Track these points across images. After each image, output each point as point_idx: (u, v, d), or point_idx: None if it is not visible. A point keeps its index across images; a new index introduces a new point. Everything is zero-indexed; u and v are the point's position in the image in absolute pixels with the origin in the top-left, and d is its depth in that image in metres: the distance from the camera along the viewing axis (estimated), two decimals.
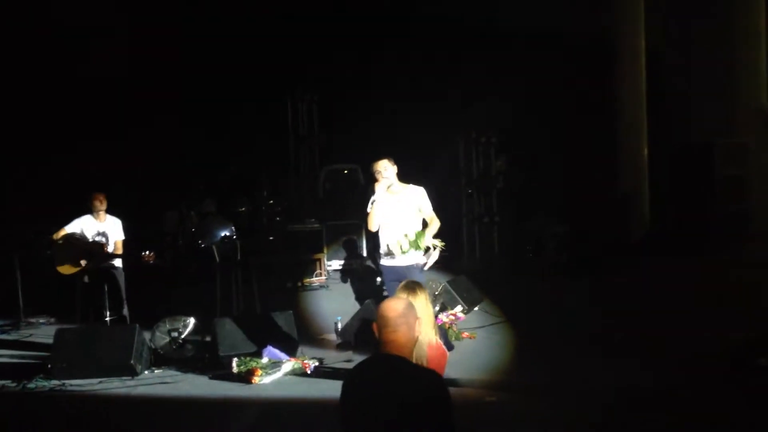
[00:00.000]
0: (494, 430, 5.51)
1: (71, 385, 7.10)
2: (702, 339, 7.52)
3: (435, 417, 3.08)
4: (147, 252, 8.62)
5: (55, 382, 7.17)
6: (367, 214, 7.04)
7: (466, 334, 8.37)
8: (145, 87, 14.22)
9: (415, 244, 6.72)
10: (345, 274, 12.34)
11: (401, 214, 6.89)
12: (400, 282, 6.60)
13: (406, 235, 6.74)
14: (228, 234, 11.18)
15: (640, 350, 7.38)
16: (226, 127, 14.83)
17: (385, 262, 7.00)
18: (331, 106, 15.39)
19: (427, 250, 6.87)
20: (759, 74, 14.61)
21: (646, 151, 14.50)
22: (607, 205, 13.53)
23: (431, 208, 6.99)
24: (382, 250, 7.03)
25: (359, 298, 9.84)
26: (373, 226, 6.93)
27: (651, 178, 14.42)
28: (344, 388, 3.33)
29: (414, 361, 3.45)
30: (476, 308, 9.53)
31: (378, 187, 6.87)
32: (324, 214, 13.35)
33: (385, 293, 7.27)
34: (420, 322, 3.46)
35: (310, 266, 12.24)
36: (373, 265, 12.84)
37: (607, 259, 12.10)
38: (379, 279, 7.08)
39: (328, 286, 11.93)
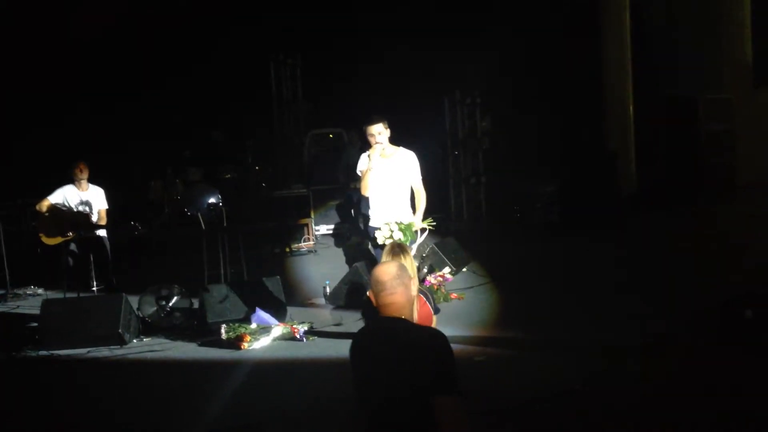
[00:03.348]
0: (484, 388, 5.52)
1: (59, 355, 7.08)
2: (690, 293, 7.56)
3: (438, 369, 3.12)
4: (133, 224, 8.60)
5: (43, 352, 7.15)
6: (358, 178, 6.96)
7: (454, 295, 8.38)
8: (127, 55, 14.06)
9: (409, 234, 6.58)
10: (333, 238, 12.33)
11: (392, 178, 6.82)
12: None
13: (390, 227, 6.58)
14: (214, 201, 11.13)
15: (629, 306, 7.40)
16: (209, 93, 14.68)
17: (373, 224, 6.95)
18: (315, 71, 15.26)
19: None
20: (743, 29, 14.55)
21: (631, 108, 14.47)
22: (595, 163, 13.51)
23: (420, 178, 6.92)
24: (371, 212, 6.97)
25: (347, 261, 9.83)
26: (367, 191, 6.85)
27: (637, 134, 14.41)
28: (351, 353, 3.40)
29: None
30: (464, 269, 9.54)
31: (373, 151, 6.76)
32: (310, 178, 13.30)
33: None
34: (414, 281, 3.49)
35: (298, 231, 12.22)
36: (361, 228, 12.84)
37: (596, 216, 12.11)
38: (369, 243, 6.99)
39: (316, 251, 11.93)
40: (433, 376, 3.09)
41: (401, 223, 6.56)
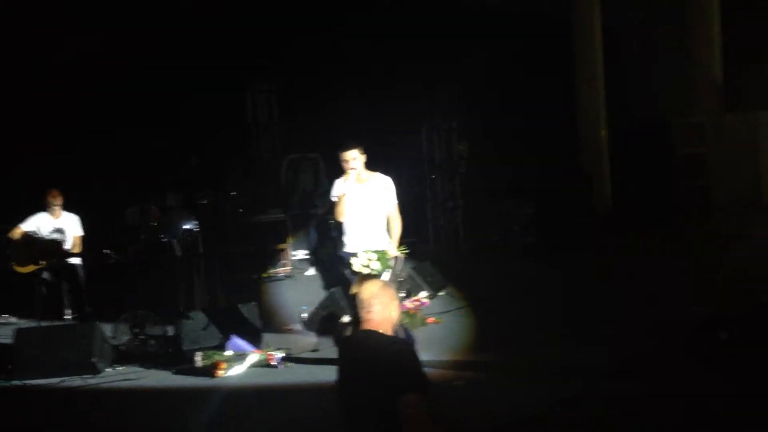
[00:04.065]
0: (461, 413, 5.50)
1: (33, 385, 6.97)
2: (666, 314, 7.60)
3: (399, 371, 3.34)
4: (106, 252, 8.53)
5: (16, 382, 7.03)
6: (333, 203, 6.93)
7: (431, 319, 8.36)
8: (102, 81, 13.99)
9: (383, 263, 6.54)
10: (310, 263, 12.28)
11: (368, 204, 6.79)
12: None
13: (367, 256, 6.54)
14: (189, 227, 11.06)
15: (604, 327, 7.42)
16: (185, 119, 14.64)
17: (348, 250, 6.92)
18: (291, 95, 15.26)
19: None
20: (714, 53, 14.78)
21: (604, 132, 14.62)
22: (570, 185, 13.61)
23: (395, 204, 6.88)
24: (345, 237, 6.94)
25: (325, 287, 9.78)
26: (341, 216, 6.81)
27: (611, 157, 14.56)
28: (339, 362, 3.73)
29: None
30: (441, 293, 9.52)
31: (348, 177, 6.73)
32: (287, 203, 13.26)
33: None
34: (398, 303, 3.77)
35: (275, 257, 12.15)
36: (339, 254, 12.80)
37: (572, 238, 12.18)
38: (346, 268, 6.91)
39: (293, 276, 11.86)
40: (394, 378, 3.32)
41: (377, 251, 6.53)
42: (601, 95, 14.63)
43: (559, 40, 14.43)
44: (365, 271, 6.33)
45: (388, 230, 6.82)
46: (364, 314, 3.65)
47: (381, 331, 3.61)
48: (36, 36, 13.33)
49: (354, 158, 6.67)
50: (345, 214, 6.75)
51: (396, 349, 3.49)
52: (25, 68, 13.24)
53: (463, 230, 14.01)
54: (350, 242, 6.82)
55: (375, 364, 3.41)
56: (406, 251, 6.73)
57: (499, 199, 13.65)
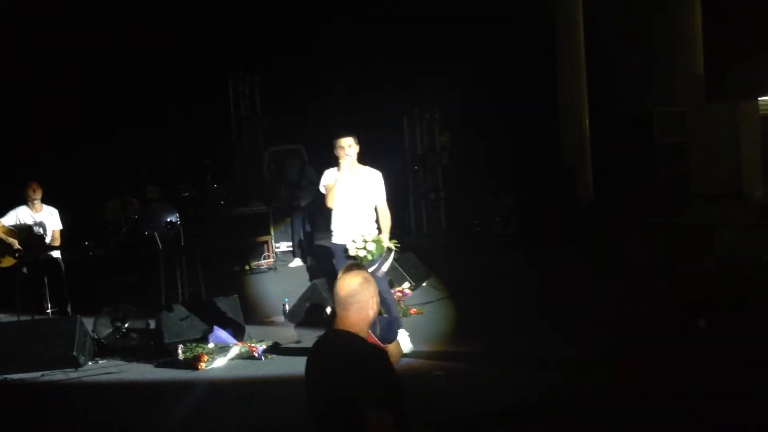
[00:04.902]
0: (442, 403, 5.52)
1: (13, 379, 6.93)
2: (645, 303, 7.66)
3: (367, 383, 3.14)
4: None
5: None
6: (322, 192, 6.87)
7: (413, 310, 8.38)
8: (82, 74, 13.88)
9: (379, 247, 6.54)
10: (293, 255, 12.27)
11: (358, 195, 6.79)
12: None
13: (363, 238, 6.55)
14: (172, 220, 10.99)
15: (586, 316, 7.48)
16: (166, 111, 14.55)
17: (336, 240, 6.90)
18: (273, 87, 15.21)
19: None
20: (694, 44, 14.87)
21: (587, 122, 14.68)
22: (552, 176, 13.68)
23: (384, 197, 6.90)
24: (334, 227, 6.93)
25: (308, 278, 9.79)
26: (332, 203, 6.77)
27: (593, 148, 14.62)
28: (306, 362, 3.44)
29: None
30: (424, 284, 9.55)
31: (343, 164, 6.69)
32: (269, 195, 13.23)
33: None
34: (376, 300, 3.46)
35: (258, 249, 12.13)
36: (322, 245, 12.79)
37: (554, 228, 12.23)
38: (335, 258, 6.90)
39: (276, 269, 11.85)
40: (361, 390, 3.11)
41: (374, 237, 6.53)
42: (584, 86, 14.68)
43: (542, 32, 14.45)
44: (362, 253, 6.34)
45: (377, 223, 6.83)
46: (339, 310, 3.41)
47: (355, 331, 3.37)
48: (10, 33, 13.21)
49: (349, 145, 6.69)
50: (335, 203, 6.74)
51: (366, 358, 3.25)
52: (5, 61, 13.14)
53: (445, 221, 14.04)
54: (339, 233, 6.81)
55: (342, 372, 3.19)
56: (398, 245, 6.73)
57: (481, 190, 13.67)
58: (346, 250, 6.64)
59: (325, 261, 11.09)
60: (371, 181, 6.86)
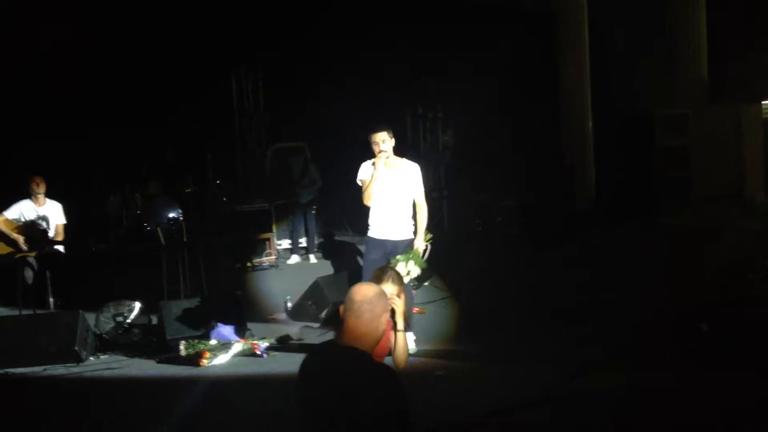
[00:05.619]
0: (444, 403, 5.53)
1: (14, 373, 6.92)
2: (647, 306, 7.66)
3: (378, 409, 2.92)
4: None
5: None
6: (359, 186, 6.82)
7: (415, 309, 8.36)
8: (84, 68, 13.88)
9: (418, 262, 6.51)
10: (290, 252, 12.28)
11: (395, 189, 6.73)
12: (386, 256, 6.55)
13: (407, 266, 6.38)
14: (174, 216, 11.00)
15: (588, 318, 7.49)
16: (168, 106, 14.55)
17: (372, 234, 6.86)
18: (277, 84, 15.21)
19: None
20: (699, 46, 14.85)
21: (590, 123, 14.68)
22: (554, 177, 13.69)
23: (422, 191, 6.87)
24: (371, 221, 6.87)
25: (310, 277, 9.78)
26: (369, 201, 6.70)
27: (595, 149, 14.63)
28: (299, 372, 3.22)
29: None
30: (426, 283, 9.55)
31: (378, 160, 6.62)
32: (271, 193, 13.22)
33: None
34: (387, 317, 3.26)
35: (259, 246, 12.13)
36: (326, 243, 12.81)
37: (555, 229, 12.24)
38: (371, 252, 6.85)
39: (278, 266, 11.85)
40: (372, 417, 2.88)
41: (409, 254, 6.45)
42: (587, 87, 14.67)
43: (546, 32, 14.44)
44: (406, 279, 6.21)
45: (414, 219, 6.80)
46: (348, 318, 3.14)
47: (363, 347, 3.10)
48: (12, 23, 13.20)
49: (384, 141, 6.60)
50: (373, 198, 6.69)
51: (382, 385, 2.96)
52: (6, 55, 13.13)
53: (448, 221, 14.03)
54: (376, 227, 6.78)
55: (345, 396, 2.92)
56: (431, 239, 6.72)
57: (484, 189, 13.67)
58: (381, 245, 6.62)
59: (337, 257, 11.18)
60: (408, 174, 6.78)
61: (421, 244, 6.65)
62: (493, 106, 13.86)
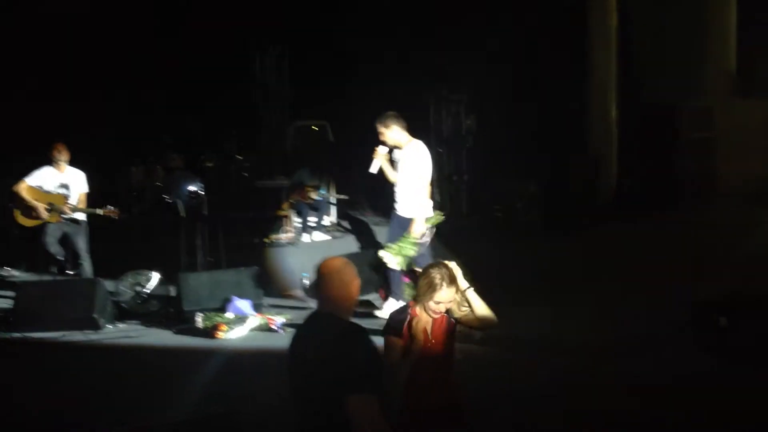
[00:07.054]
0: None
1: (33, 338, 7.00)
2: (665, 299, 7.60)
3: (348, 366, 3.08)
4: (109, 207, 8.48)
5: (16, 334, 7.06)
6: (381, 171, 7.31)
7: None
8: (109, 40, 13.92)
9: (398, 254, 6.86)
10: (302, 230, 12.28)
11: (400, 173, 7.19)
12: (403, 231, 6.97)
13: (388, 248, 6.98)
14: (195, 189, 11.04)
15: (606, 308, 7.45)
16: (193, 81, 14.59)
17: (402, 213, 7.29)
18: (301, 61, 15.19)
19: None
20: (728, 38, 14.65)
21: (615, 113, 14.53)
22: (577, 165, 13.58)
23: (415, 174, 7.14)
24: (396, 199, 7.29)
25: (329, 255, 9.79)
26: (392, 180, 7.31)
27: (620, 139, 14.48)
28: (291, 341, 3.45)
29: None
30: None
31: (376, 154, 7.21)
32: (292, 170, 13.22)
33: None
34: (358, 283, 3.41)
35: (278, 222, 12.15)
36: (344, 221, 12.82)
37: (575, 218, 12.16)
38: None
39: (295, 243, 11.86)
40: (342, 374, 3.06)
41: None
42: (613, 76, 14.52)
43: (572, 19, 14.30)
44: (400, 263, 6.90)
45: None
46: (321, 290, 3.35)
47: (339, 314, 3.30)
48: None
49: (380, 132, 6.89)
50: (392, 178, 7.23)
51: (348, 340, 3.18)
52: (31, 19, 13.19)
53: (467, 205, 13.98)
54: (398, 205, 7.21)
55: (322, 355, 3.14)
56: (442, 216, 7.37)
57: (505, 175, 13.60)
58: (403, 222, 7.07)
59: (357, 236, 11.24)
60: (406, 157, 7.15)
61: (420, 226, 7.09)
62: (517, 92, 13.76)
